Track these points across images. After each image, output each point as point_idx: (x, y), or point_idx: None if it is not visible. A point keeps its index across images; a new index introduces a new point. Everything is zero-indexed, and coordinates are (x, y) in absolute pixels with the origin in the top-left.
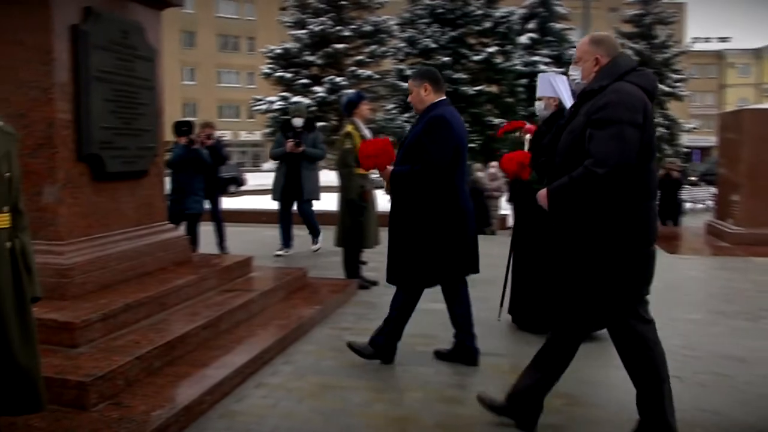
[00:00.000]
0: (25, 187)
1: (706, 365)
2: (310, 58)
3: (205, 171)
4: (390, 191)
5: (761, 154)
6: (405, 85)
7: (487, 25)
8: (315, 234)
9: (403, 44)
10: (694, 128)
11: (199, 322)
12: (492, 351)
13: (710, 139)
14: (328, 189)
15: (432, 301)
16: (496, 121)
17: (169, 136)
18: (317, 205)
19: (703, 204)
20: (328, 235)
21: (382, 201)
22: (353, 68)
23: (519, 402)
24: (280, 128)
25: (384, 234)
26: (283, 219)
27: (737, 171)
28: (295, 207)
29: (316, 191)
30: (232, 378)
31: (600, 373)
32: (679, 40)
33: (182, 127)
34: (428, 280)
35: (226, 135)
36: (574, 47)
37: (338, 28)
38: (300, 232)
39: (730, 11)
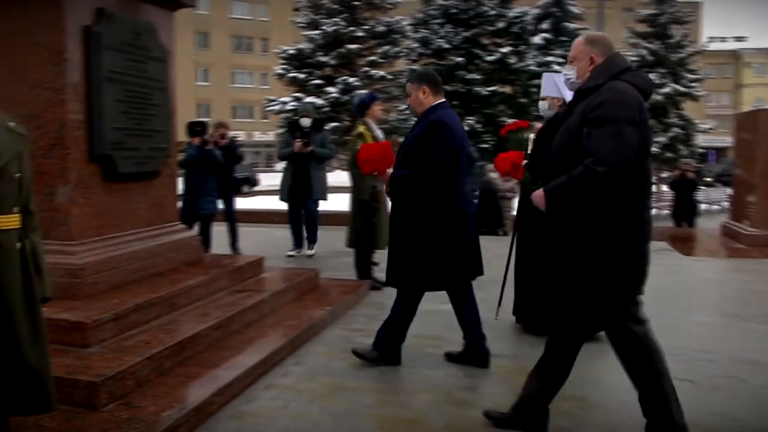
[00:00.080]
0: (37, 188)
1: (720, 369)
2: (324, 59)
3: (219, 171)
4: (390, 194)
5: None
6: None
7: (501, 25)
8: (312, 240)
9: (416, 45)
10: (710, 129)
11: (210, 322)
12: (500, 353)
13: (726, 140)
14: (340, 189)
15: (440, 303)
16: (510, 121)
17: (182, 136)
18: (326, 206)
19: (719, 205)
20: (338, 235)
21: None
22: (366, 69)
23: (526, 411)
24: (287, 129)
25: None
26: (293, 220)
27: (753, 172)
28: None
29: (324, 191)
30: (242, 379)
31: (606, 375)
32: (695, 40)
33: (196, 128)
34: (428, 284)
35: (239, 135)
36: None
37: (351, 28)
38: (319, 233)
39: (747, 10)
